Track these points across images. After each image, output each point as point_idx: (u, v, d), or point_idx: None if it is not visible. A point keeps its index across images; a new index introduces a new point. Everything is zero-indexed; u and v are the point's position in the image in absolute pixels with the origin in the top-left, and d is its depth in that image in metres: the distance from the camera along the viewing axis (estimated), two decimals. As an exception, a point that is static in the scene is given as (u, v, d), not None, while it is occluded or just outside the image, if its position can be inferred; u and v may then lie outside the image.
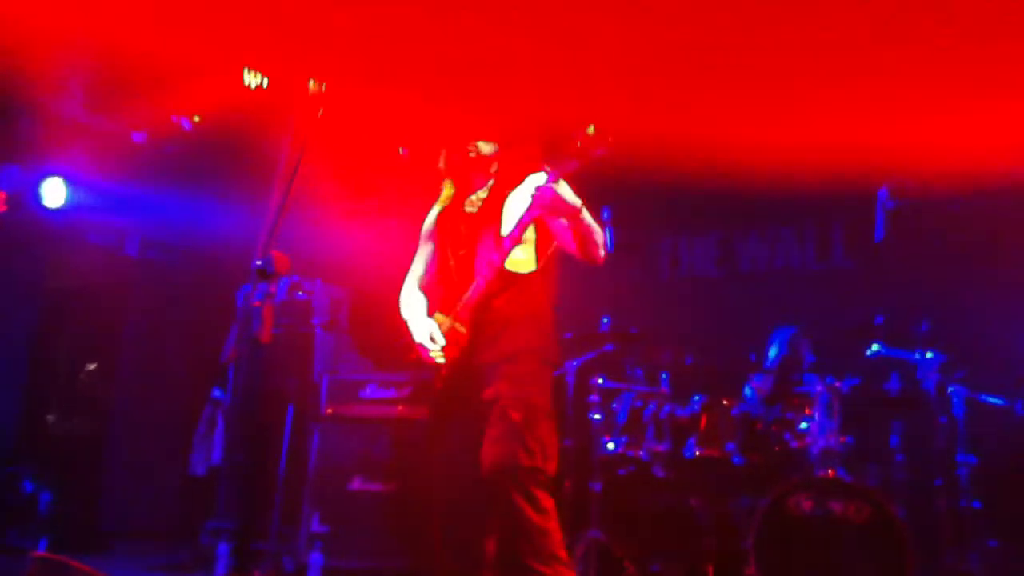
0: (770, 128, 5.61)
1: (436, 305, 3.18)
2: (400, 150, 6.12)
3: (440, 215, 3.29)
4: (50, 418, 7.21)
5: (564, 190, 2.87)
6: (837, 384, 4.26)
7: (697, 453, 4.42)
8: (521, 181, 3.12)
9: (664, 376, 4.71)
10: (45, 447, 6.85)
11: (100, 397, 7.03)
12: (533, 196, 2.84)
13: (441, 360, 3.02)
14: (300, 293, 5.46)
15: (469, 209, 3.19)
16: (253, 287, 4.51)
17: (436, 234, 3.28)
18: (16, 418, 6.98)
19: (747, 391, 4.72)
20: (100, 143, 6.51)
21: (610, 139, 2.70)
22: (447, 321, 3.04)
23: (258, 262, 3.54)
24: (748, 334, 5.29)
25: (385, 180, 6.19)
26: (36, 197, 6.32)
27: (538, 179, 3.00)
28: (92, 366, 7.20)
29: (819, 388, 4.25)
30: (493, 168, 3.21)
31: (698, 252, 6.47)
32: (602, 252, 3.05)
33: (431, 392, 3.15)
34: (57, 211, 6.49)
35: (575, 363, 4.80)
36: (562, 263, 3.22)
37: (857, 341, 4.55)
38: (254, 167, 5.90)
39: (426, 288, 3.30)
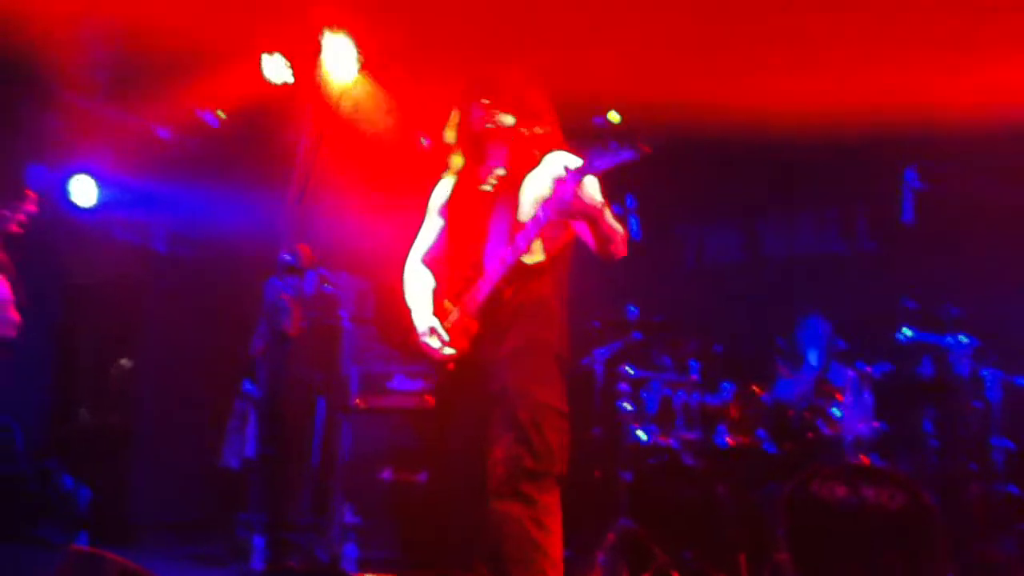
0: (792, 101, 5.56)
1: (442, 283, 3.01)
2: (423, 140, 6.12)
3: (452, 190, 3.10)
4: (81, 412, 7.31)
5: (587, 190, 2.68)
6: (868, 370, 4.22)
7: (728, 441, 4.41)
8: (539, 161, 2.93)
9: (693, 364, 4.69)
10: (76, 441, 6.94)
11: (129, 391, 7.11)
12: (551, 197, 2.66)
13: (447, 353, 2.87)
14: (327, 286, 5.49)
15: (484, 187, 2.99)
16: (281, 281, 4.56)
17: (447, 210, 3.10)
18: (47, 413, 7.08)
19: (780, 384, 4.66)
20: (127, 140, 6.56)
21: (642, 146, 2.57)
22: (455, 313, 2.89)
23: (286, 256, 3.57)
24: (775, 320, 5.26)
25: (408, 171, 6.19)
26: (65, 194, 6.38)
27: (558, 161, 2.81)
28: (125, 361, 7.28)
29: (850, 374, 4.23)
30: (510, 143, 2.98)
31: (722, 238, 6.43)
32: (621, 252, 2.88)
33: (435, 384, 3.04)
34: (85, 208, 6.56)
35: (603, 352, 4.80)
36: (580, 253, 3.10)
37: (887, 326, 4.51)
38: (279, 161, 5.90)
39: (431, 263, 3.12)
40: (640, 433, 4.59)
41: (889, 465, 4.03)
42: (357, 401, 5.03)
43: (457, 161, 3.08)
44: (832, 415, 4.28)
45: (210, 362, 6.77)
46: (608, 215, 2.77)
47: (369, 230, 6.38)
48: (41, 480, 5.88)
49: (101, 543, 2.60)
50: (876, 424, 4.14)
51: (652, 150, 2.50)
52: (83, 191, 6.48)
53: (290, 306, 4.92)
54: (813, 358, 4.87)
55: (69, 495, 5.84)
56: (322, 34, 4.82)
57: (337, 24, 4.61)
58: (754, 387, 4.49)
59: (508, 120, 2.95)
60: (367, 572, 4.51)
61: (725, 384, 4.57)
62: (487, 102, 2.95)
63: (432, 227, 3.15)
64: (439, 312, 2.96)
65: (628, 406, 4.58)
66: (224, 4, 5.15)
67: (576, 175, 2.61)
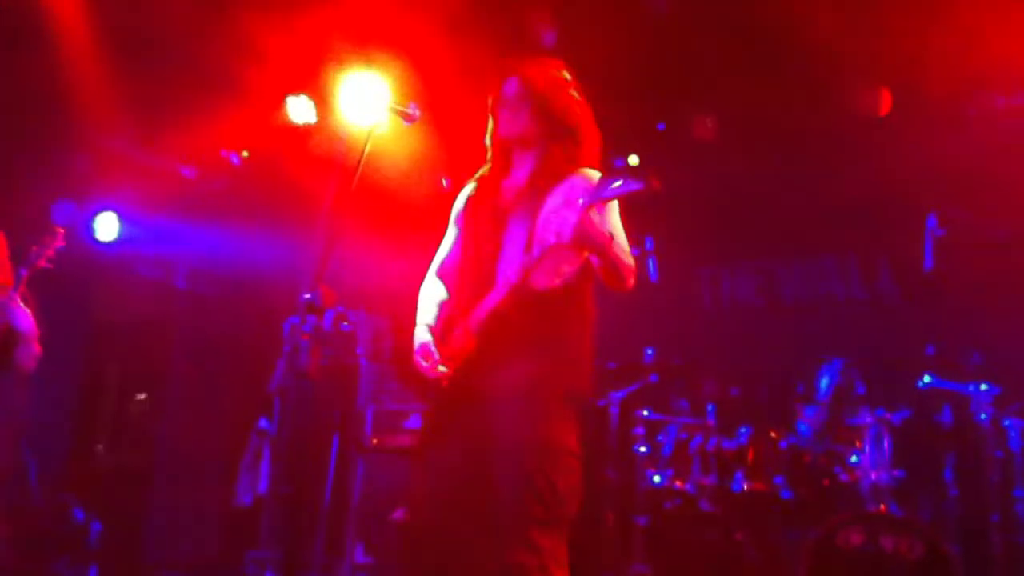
0: (812, 144, 5.58)
1: (457, 298, 2.82)
2: (443, 181, 6.18)
3: (470, 199, 2.93)
4: (99, 448, 7.33)
5: (592, 223, 2.51)
6: (888, 416, 4.18)
7: (744, 487, 4.35)
8: (561, 178, 2.76)
9: (710, 408, 4.66)
10: (93, 477, 6.96)
11: (147, 428, 7.13)
12: (554, 228, 2.50)
13: (440, 371, 2.69)
14: (345, 324, 5.51)
15: (502, 198, 2.82)
16: (301, 320, 4.57)
17: (463, 219, 2.91)
18: (65, 448, 7.10)
19: (801, 427, 4.62)
20: (151, 178, 6.66)
21: (652, 180, 2.47)
22: (458, 330, 2.70)
23: (307, 295, 3.57)
24: (794, 365, 5.22)
25: (428, 211, 6.24)
26: (89, 231, 6.48)
27: (582, 181, 2.69)
28: (141, 396, 7.32)
29: (869, 420, 4.18)
30: (537, 154, 2.81)
31: (741, 281, 6.42)
32: (628, 285, 2.66)
33: (425, 411, 2.83)
34: (109, 244, 6.65)
35: (619, 395, 4.78)
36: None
37: (908, 372, 4.46)
38: (300, 201, 5.98)
39: (446, 275, 2.93)
40: (655, 477, 4.55)
41: (908, 514, 3.96)
42: (372, 440, 5.02)
43: (483, 169, 2.93)
44: (850, 462, 4.23)
45: (228, 398, 6.79)
46: (617, 245, 2.59)
47: (388, 269, 6.42)
48: (54, 515, 5.90)
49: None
50: (895, 472, 4.08)
51: (661, 186, 2.41)
52: (107, 228, 6.59)
53: (310, 345, 4.95)
54: (825, 383, 4.80)
55: (80, 529, 5.85)
56: (345, 75, 4.90)
57: (360, 65, 4.69)
58: (771, 432, 4.44)
59: (535, 128, 2.79)
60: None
61: (742, 428, 4.52)
62: (517, 107, 2.80)
63: (450, 238, 2.97)
64: (448, 327, 2.78)
65: (643, 449, 4.55)
66: (249, 45, 5.26)
67: (583, 204, 2.46)
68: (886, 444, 4.12)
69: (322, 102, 5.81)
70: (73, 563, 5.67)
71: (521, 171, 2.83)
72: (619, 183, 2.41)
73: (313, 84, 5.78)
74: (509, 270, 2.63)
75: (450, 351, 2.69)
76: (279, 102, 5.91)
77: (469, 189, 2.94)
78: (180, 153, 6.60)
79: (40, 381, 4.23)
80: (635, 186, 2.39)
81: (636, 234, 5.83)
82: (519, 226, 2.69)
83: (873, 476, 4.09)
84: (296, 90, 5.88)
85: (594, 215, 2.51)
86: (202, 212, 6.90)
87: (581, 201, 2.45)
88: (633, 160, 5.87)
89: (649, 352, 4.82)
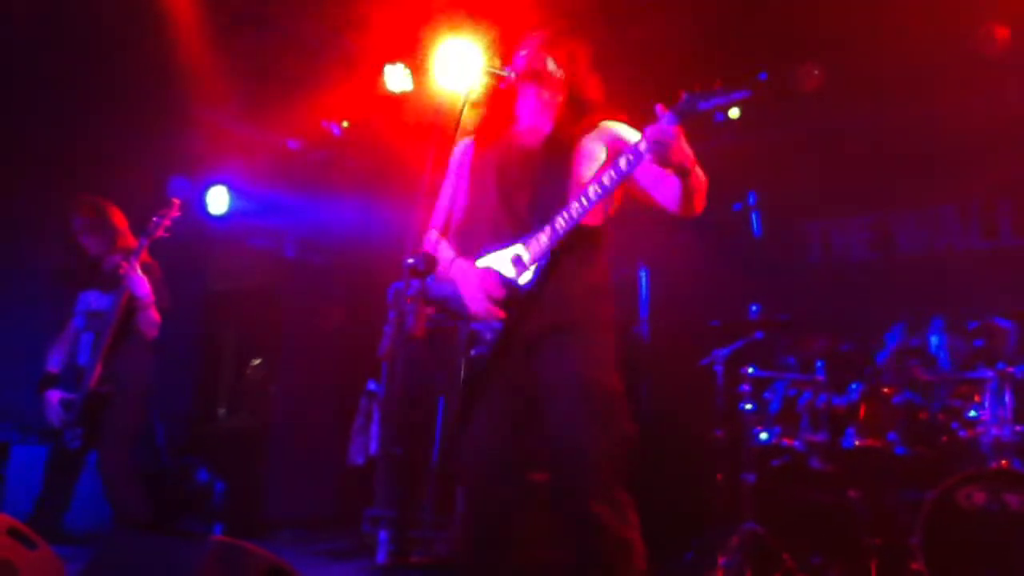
0: (928, 85, 5.31)
1: (473, 246, 2.73)
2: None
3: (480, 147, 2.83)
4: (221, 412, 7.69)
5: (683, 138, 2.37)
6: (1010, 370, 3.99)
7: (856, 443, 4.24)
8: (591, 125, 2.71)
9: (819, 364, 4.54)
10: (215, 439, 7.31)
11: (263, 392, 7.44)
12: (648, 142, 2.36)
13: (497, 319, 2.62)
14: (448, 288, 5.59)
15: (525, 144, 2.74)
16: (406, 284, 4.67)
17: (473, 170, 2.82)
18: (188, 412, 7.48)
19: (915, 383, 4.46)
20: (258, 151, 6.88)
21: (754, 84, 2.35)
22: (499, 274, 2.62)
23: (411, 260, 3.62)
24: (908, 320, 5.04)
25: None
26: (202, 205, 6.75)
27: (619, 128, 2.65)
28: (257, 361, 7.63)
29: (989, 374, 4.01)
30: (557, 100, 2.74)
31: (850, 234, 6.21)
32: (703, 206, 2.57)
33: (468, 359, 2.75)
34: (221, 217, 6.92)
35: (724, 352, 4.71)
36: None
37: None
38: (401, 168, 6.08)
39: (451, 233, 2.85)
40: (763, 435, 4.48)
41: (1033, 470, 3.79)
42: (477, 401, 5.10)
43: (472, 120, 2.83)
44: (969, 417, 4.07)
45: (339, 363, 7.02)
46: (699, 169, 2.49)
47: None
48: (181, 476, 6.24)
49: (236, 536, 2.68)
50: (1018, 427, 3.91)
51: (756, 91, 2.29)
52: (218, 201, 6.85)
53: (415, 309, 5.04)
54: (944, 360, 4.65)
55: (205, 489, 6.17)
56: (442, 42, 4.93)
57: (456, 31, 4.70)
58: (884, 388, 4.31)
59: (559, 73, 2.74)
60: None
61: (853, 384, 4.39)
62: (545, 54, 2.76)
63: (452, 189, 2.87)
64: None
65: (750, 407, 4.48)
66: (347, 16, 5.34)
67: (670, 116, 2.33)
68: (1008, 399, 3.95)
69: (419, 70, 5.86)
70: (200, 521, 5.99)
71: (530, 119, 2.76)
72: (718, 95, 2.28)
73: (410, 52, 5.84)
74: (550, 214, 2.56)
75: (503, 296, 2.61)
76: (378, 71, 6.00)
77: (467, 142, 2.87)
78: (285, 126, 6.79)
79: (163, 347, 4.41)
80: (741, 94, 2.27)
81: (739, 188, 5.75)
82: (552, 172, 2.64)
83: (995, 432, 3.92)
84: (394, 59, 5.95)
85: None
86: (307, 183, 7.10)
87: (667, 112, 2.33)
88: (733, 113, 5.72)
89: (754, 309, 4.73)
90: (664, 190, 2.58)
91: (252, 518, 6.44)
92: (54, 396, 4.16)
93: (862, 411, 4.29)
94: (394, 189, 6.29)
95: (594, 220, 2.63)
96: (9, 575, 2.67)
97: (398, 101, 6.06)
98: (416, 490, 5.07)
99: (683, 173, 2.44)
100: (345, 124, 6.73)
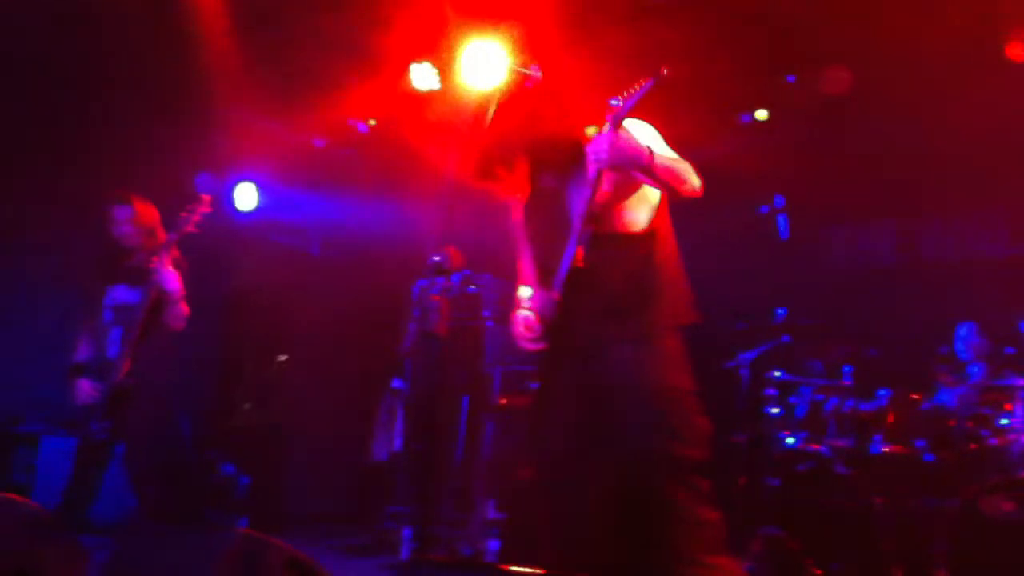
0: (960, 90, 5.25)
1: (535, 251, 2.89)
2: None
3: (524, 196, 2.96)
4: (245, 407, 7.74)
5: (623, 138, 2.51)
6: (1041, 378, 3.95)
7: (883, 449, 4.20)
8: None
9: (846, 369, 4.51)
10: (239, 434, 7.36)
11: (286, 387, 7.48)
12: (588, 154, 2.54)
13: (537, 344, 2.75)
14: (471, 287, 5.60)
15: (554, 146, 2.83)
16: (430, 282, 4.69)
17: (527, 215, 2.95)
18: (214, 407, 7.53)
19: (943, 390, 4.42)
20: (285, 149, 6.92)
21: (661, 69, 2.38)
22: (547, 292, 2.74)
23: (435, 258, 3.63)
24: (934, 325, 5.00)
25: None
26: (230, 201, 6.80)
27: (634, 127, 2.68)
28: (283, 358, 7.67)
29: (1020, 382, 3.96)
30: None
31: (877, 239, 6.16)
32: (693, 186, 2.64)
33: (540, 369, 2.85)
34: (248, 213, 6.97)
35: (749, 356, 4.68)
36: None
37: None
38: (426, 166, 6.09)
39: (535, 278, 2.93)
40: (788, 439, 4.45)
41: (1064, 480, 3.74)
42: (500, 400, 5.11)
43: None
44: (1000, 425, 4.02)
45: (361, 359, 7.04)
46: (659, 155, 2.58)
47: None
48: (205, 469, 6.29)
49: (258, 529, 2.70)
50: (1049, 436, 3.86)
51: (668, 70, 2.40)
52: (245, 197, 6.89)
53: (438, 306, 5.07)
54: (974, 368, 4.60)
55: (230, 482, 6.21)
56: (467, 40, 4.94)
57: (482, 30, 4.71)
58: (912, 395, 4.26)
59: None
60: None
61: (881, 391, 4.35)
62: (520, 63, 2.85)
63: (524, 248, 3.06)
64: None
65: (776, 411, 4.45)
66: (373, 14, 5.36)
67: (609, 126, 2.50)
68: (1039, 407, 3.90)
69: (445, 68, 5.87)
70: (223, 514, 6.03)
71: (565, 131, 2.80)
72: (636, 92, 2.45)
73: (436, 50, 5.85)
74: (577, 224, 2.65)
75: (546, 319, 2.73)
76: (403, 70, 6.01)
77: (515, 201, 3.01)
78: (311, 124, 6.82)
79: (189, 342, 4.44)
80: (647, 84, 2.44)
81: (765, 191, 5.71)
82: (582, 183, 2.70)
83: (1024, 440, 3.88)
84: (419, 57, 5.96)
85: (624, 135, 2.52)
86: (333, 180, 7.13)
87: (606, 127, 2.49)
88: (761, 114, 5.69)
89: (780, 312, 4.70)
90: (650, 184, 2.69)
91: (274, 512, 6.47)
92: (84, 384, 4.20)
93: (890, 417, 4.25)
94: (419, 187, 6.30)
95: (633, 226, 2.70)
96: None
97: (424, 99, 6.07)
98: (438, 488, 5.09)
99: (644, 171, 2.57)
100: (371, 122, 6.76)
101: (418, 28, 5.58)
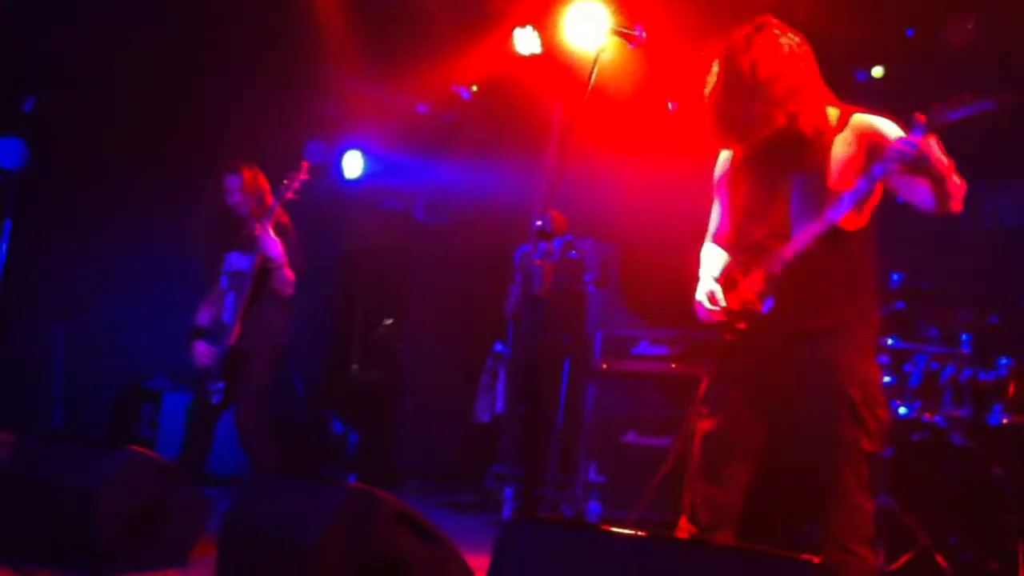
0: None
1: (740, 255, 2.88)
2: (669, 105, 6.05)
3: (735, 165, 2.93)
4: (354, 367, 7.99)
5: (935, 147, 2.53)
6: None
7: (1004, 420, 4.02)
8: (842, 124, 2.73)
9: (965, 336, 4.31)
10: (348, 393, 7.61)
11: (393, 349, 7.68)
12: (895, 151, 2.51)
13: (722, 316, 2.80)
14: (573, 252, 5.61)
15: (774, 154, 2.78)
16: (533, 246, 4.71)
17: (731, 185, 2.94)
18: (324, 367, 7.81)
19: None
20: (390, 116, 7.04)
21: (1001, 96, 2.41)
22: (749, 280, 2.79)
23: (538, 222, 3.64)
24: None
25: (655, 136, 6.15)
26: (338, 169, 6.98)
27: (875, 121, 2.69)
28: (389, 321, 7.88)
29: None
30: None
31: (1003, 200, 5.83)
32: (959, 207, 2.66)
33: (722, 346, 2.87)
34: (356, 180, 7.14)
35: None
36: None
37: None
38: (528, 131, 6.09)
39: (724, 240, 3.01)
40: (901, 408, 4.30)
41: None
42: (602, 364, 5.11)
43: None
44: None
45: (466, 322, 7.16)
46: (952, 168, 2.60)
47: (616, 196, 6.42)
48: (317, 426, 6.54)
49: (367, 484, 2.80)
50: None
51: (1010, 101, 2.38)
52: (353, 165, 7.06)
53: (541, 270, 5.10)
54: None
55: (340, 440, 6.44)
56: (572, 3, 4.89)
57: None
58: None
59: (762, 108, 2.71)
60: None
61: (1002, 359, 4.15)
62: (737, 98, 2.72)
63: (717, 206, 3.06)
64: (729, 281, 2.88)
65: (888, 379, 4.30)
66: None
67: (921, 127, 2.49)
68: None
69: (547, 32, 5.83)
70: (334, 469, 6.27)
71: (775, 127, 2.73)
72: (965, 106, 2.46)
73: (539, 15, 5.82)
74: (806, 217, 2.68)
75: (746, 294, 2.78)
76: (507, 35, 6.01)
77: (728, 156, 2.98)
78: (415, 90, 6.90)
79: (299, 305, 4.58)
80: (987, 105, 2.44)
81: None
82: (806, 175, 2.73)
83: None
84: (523, 22, 5.95)
85: (936, 141, 2.52)
86: (437, 146, 7.21)
87: (919, 123, 2.48)
88: (877, 71, 5.44)
89: (895, 277, 4.51)
90: (917, 192, 2.68)
91: (384, 469, 6.68)
92: (201, 346, 4.41)
93: (1012, 387, 4.05)
94: (522, 152, 6.31)
95: (856, 222, 2.71)
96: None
97: (527, 64, 6.06)
98: (541, 450, 5.14)
99: (938, 180, 2.57)
100: (474, 88, 6.79)
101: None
